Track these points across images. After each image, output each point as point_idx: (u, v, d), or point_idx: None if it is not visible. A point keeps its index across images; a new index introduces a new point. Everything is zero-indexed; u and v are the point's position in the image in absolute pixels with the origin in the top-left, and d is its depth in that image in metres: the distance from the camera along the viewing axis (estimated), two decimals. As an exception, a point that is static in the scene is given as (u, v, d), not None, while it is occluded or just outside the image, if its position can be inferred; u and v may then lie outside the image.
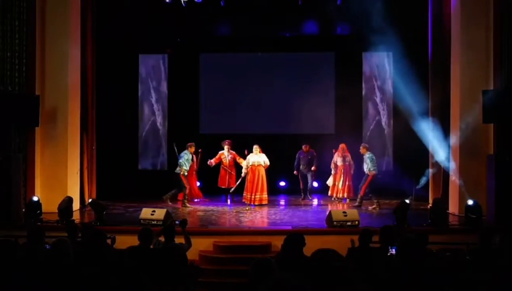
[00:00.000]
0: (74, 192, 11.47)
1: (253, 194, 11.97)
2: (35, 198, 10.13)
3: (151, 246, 6.59)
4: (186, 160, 12.03)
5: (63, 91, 11.28)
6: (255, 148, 12.09)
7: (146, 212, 9.72)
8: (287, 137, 13.10)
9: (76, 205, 11.06)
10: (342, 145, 12.53)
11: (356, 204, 11.84)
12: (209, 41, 14.83)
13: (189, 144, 12.30)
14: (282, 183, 13.97)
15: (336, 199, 12.51)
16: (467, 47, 10.79)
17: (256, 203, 11.92)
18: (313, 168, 12.83)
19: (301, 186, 13.05)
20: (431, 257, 6.10)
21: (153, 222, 9.28)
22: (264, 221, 10.53)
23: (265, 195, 12.12)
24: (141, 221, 9.50)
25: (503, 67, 10.38)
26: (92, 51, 12.43)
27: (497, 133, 10.37)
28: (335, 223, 9.25)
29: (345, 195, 12.51)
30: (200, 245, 8.86)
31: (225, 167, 12.46)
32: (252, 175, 12.02)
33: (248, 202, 11.96)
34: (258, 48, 14.68)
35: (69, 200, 10.14)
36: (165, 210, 9.86)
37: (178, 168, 12.04)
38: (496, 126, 10.39)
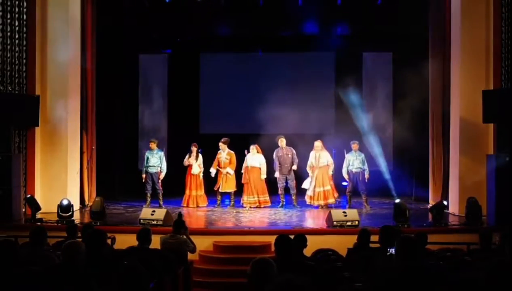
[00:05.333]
0: (74, 192, 11.48)
1: (252, 197, 11.79)
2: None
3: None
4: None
5: (63, 91, 11.27)
6: (252, 148, 11.95)
7: (146, 212, 9.72)
8: (287, 137, 13.06)
9: (76, 205, 11.06)
10: (318, 143, 11.83)
11: (369, 207, 11.78)
12: (209, 41, 14.83)
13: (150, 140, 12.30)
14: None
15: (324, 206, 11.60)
16: (467, 47, 10.79)
17: (256, 206, 11.74)
18: (294, 167, 11.86)
19: (279, 191, 12.01)
20: (431, 257, 6.11)
21: (153, 222, 9.28)
22: (264, 221, 10.52)
23: (265, 197, 11.87)
24: (141, 221, 9.50)
25: (503, 67, 10.39)
26: (92, 51, 12.42)
27: (497, 133, 10.38)
28: (335, 223, 9.25)
29: (322, 202, 11.63)
30: (200, 245, 8.85)
31: (220, 169, 11.99)
32: (249, 178, 11.86)
33: (248, 206, 11.75)
34: (258, 48, 14.70)
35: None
36: (165, 210, 9.87)
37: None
38: (496, 126, 10.40)
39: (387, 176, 13.17)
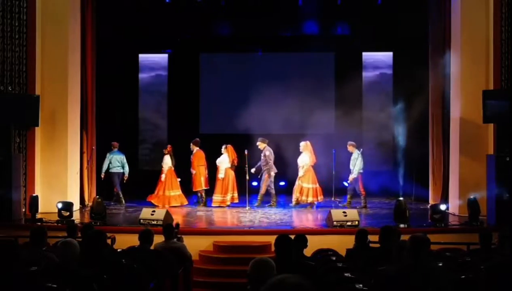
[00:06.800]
0: (74, 192, 11.48)
1: (215, 195, 11.98)
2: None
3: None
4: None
5: (63, 91, 11.27)
6: (223, 147, 12.07)
7: (146, 212, 9.72)
8: (287, 137, 13.09)
9: (76, 205, 11.05)
10: (301, 143, 11.89)
11: (362, 205, 11.78)
12: (209, 41, 14.84)
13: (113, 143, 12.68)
14: (282, 183, 13.94)
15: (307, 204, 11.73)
16: (467, 47, 10.80)
17: (217, 205, 11.86)
18: (252, 170, 11.98)
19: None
20: (431, 257, 6.11)
21: (153, 222, 9.28)
22: (264, 221, 10.52)
23: (217, 197, 11.87)
24: (141, 221, 9.50)
25: (503, 67, 10.39)
26: (92, 51, 12.42)
27: (497, 133, 10.38)
28: (335, 223, 9.25)
29: (293, 199, 11.80)
30: (200, 245, 8.87)
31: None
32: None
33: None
34: (258, 48, 14.70)
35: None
36: (165, 210, 9.87)
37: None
38: (496, 126, 10.40)
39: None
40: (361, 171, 11.77)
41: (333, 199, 12.37)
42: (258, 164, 12.17)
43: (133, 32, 14.12)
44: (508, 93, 9.95)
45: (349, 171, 11.91)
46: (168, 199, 12.03)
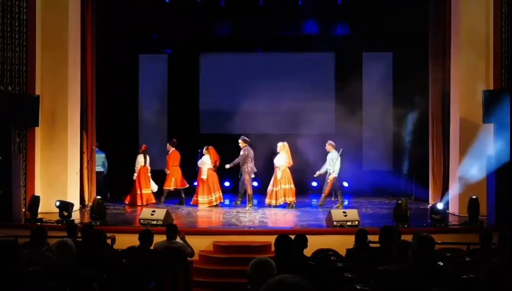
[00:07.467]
0: (74, 192, 11.47)
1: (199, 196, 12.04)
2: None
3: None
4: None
5: (63, 91, 11.27)
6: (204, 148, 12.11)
7: (146, 212, 9.73)
8: (287, 137, 13.08)
9: (76, 205, 11.06)
10: (279, 143, 11.91)
11: (319, 203, 11.78)
12: (209, 41, 14.85)
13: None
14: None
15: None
16: (467, 47, 10.80)
17: (200, 206, 11.91)
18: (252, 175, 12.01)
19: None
20: (436, 257, 6.10)
21: (153, 222, 9.28)
22: (264, 221, 10.52)
23: (203, 198, 11.90)
24: (141, 221, 9.50)
25: (503, 67, 10.40)
26: (92, 51, 12.41)
27: (497, 133, 10.38)
28: (335, 223, 9.25)
29: (268, 201, 11.82)
30: (200, 245, 8.87)
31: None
32: None
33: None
34: (258, 48, 14.71)
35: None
36: (165, 210, 9.87)
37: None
38: (496, 126, 10.40)
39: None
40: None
41: (333, 199, 12.38)
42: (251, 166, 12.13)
43: (133, 32, 14.12)
44: (508, 93, 9.95)
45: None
46: (141, 198, 12.21)
